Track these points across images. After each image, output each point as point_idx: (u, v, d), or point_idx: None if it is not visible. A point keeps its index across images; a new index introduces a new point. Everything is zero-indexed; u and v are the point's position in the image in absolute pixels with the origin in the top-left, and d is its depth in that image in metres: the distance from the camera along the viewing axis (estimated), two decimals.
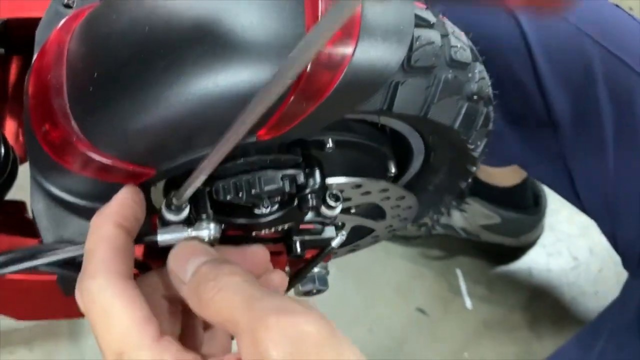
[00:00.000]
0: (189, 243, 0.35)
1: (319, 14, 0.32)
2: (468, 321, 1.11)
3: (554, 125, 0.69)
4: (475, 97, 0.41)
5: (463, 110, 0.40)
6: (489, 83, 0.44)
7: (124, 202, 0.34)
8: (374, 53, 0.33)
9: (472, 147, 0.44)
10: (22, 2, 0.45)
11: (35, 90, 0.38)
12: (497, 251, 1.14)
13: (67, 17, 0.40)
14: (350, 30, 0.32)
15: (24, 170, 0.47)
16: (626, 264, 0.78)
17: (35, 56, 0.41)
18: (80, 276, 0.32)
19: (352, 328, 1.08)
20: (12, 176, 0.45)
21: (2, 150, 0.43)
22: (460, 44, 0.40)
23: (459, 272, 1.15)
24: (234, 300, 0.30)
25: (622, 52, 0.64)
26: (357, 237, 0.54)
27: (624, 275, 0.79)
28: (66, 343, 1.01)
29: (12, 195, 0.48)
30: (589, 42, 0.65)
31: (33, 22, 0.45)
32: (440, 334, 1.10)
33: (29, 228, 0.46)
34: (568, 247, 1.19)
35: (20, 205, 0.47)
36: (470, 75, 0.41)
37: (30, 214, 0.48)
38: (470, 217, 1.06)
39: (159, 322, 0.32)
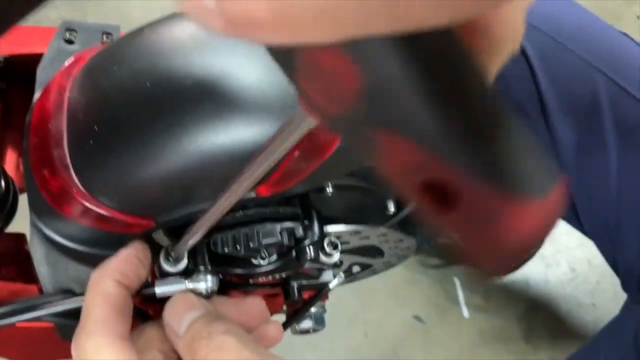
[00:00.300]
0: (185, 296, 0.35)
1: None
2: (464, 330, 1.11)
3: (557, 152, 0.69)
4: None
5: None
6: None
7: (128, 259, 0.35)
8: None
9: None
10: (24, 39, 0.45)
11: (36, 136, 0.38)
12: None
13: (68, 62, 0.40)
14: None
15: (22, 200, 0.47)
16: (625, 286, 0.78)
17: (36, 96, 0.41)
18: (78, 332, 0.33)
19: (347, 331, 1.09)
20: (12, 210, 0.45)
21: (2, 184, 0.43)
22: None
23: (456, 281, 1.16)
24: None
25: (626, 83, 0.64)
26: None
27: (621, 289, 0.79)
28: None
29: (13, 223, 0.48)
30: (595, 73, 0.64)
31: (34, 57, 0.45)
32: (436, 341, 1.11)
33: (30, 261, 0.47)
34: (566, 258, 1.19)
35: (19, 238, 0.47)
36: None
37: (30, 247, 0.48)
38: None
39: None
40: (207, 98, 0.32)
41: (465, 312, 1.13)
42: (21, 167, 0.50)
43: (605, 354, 0.74)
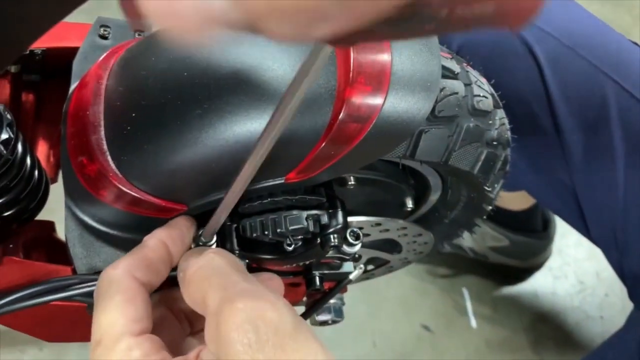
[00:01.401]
0: (200, 247, 0.37)
1: (350, 69, 0.33)
2: (471, 340, 1.12)
3: (566, 157, 0.70)
4: (494, 142, 0.43)
5: (483, 157, 0.42)
6: (508, 127, 0.45)
7: (177, 224, 0.37)
8: (402, 106, 0.34)
9: (489, 189, 0.45)
10: (59, 32, 0.46)
11: (73, 123, 0.39)
12: (503, 272, 1.15)
13: (105, 54, 0.41)
14: (381, 84, 0.34)
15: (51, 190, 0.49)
16: (632, 295, 0.78)
17: (72, 87, 0.42)
18: (108, 266, 0.34)
19: (355, 341, 1.09)
20: (43, 198, 0.46)
21: (36, 174, 0.45)
22: (483, 92, 0.41)
23: (465, 291, 1.16)
24: (211, 280, 0.32)
25: (635, 90, 0.65)
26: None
27: (630, 301, 0.80)
28: (75, 344, 1.03)
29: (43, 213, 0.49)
30: (605, 79, 0.66)
31: (68, 51, 0.47)
32: (444, 351, 1.11)
33: (58, 247, 0.48)
34: (575, 270, 1.19)
35: (49, 225, 0.49)
36: (490, 122, 0.42)
37: (58, 234, 0.50)
38: (479, 238, 1.07)
39: (153, 328, 0.33)
40: (242, 87, 0.34)
41: (473, 322, 1.14)
42: (52, 159, 0.51)
43: None
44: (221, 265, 0.32)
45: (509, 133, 0.45)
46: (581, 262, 1.20)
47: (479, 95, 0.41)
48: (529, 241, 1.08)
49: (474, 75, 0.42)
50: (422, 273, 1.16)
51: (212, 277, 0.32)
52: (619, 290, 1.15)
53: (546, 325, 1.14)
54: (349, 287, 0.48)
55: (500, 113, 0.44)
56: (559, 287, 1.18)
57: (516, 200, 1.03)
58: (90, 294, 0.38)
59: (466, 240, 1.10)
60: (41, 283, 0.37)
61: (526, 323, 1.14)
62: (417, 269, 1.16)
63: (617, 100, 0.66)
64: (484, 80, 0.43)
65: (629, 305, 0.80)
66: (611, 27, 0.71)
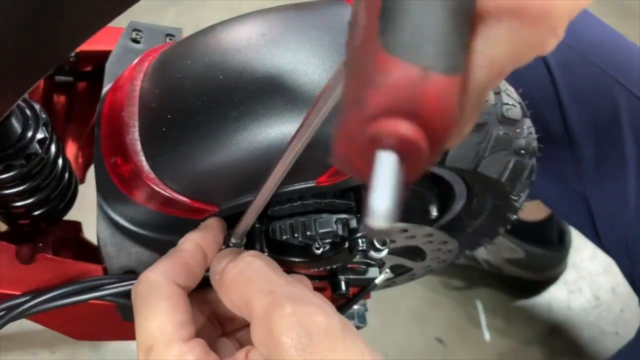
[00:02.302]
0: (232, 248, 0.37)
1: None
2: (485, 353, 1.11)
3: (577, 164, 0.70)
4: (522, 151, 0.43)
5: (511, 165, 0.42)
6: (535, 137, 0.45)
7: (211, 227, 0.37)
8: None
9: (515, 197, 0.45)
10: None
11: (108, 124, 0.40)
12: (518, 284, 1.14)
13: (139, 57, 0.42)
14: None
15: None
16: None
17: (106, 88, 0.43)
18: (146, 269, 0.35)
19: None
20: (73, 198, 0.47)
21: (67, 174, 0.46)
22: (512, 101, 0.42)
23: (478, 304, 1.16)
24: (254, 283, 0.32)
25: None
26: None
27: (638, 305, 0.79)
28: (87, 346, 1.03)
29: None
30: (616, 85, 0.65)
31: (99, 54, 0.47)
32: None
33: (85, 247, 0.49)
34: (590, 285, 1.19)
35: (76, 225, 0.49)
36: (519, 130, 0.42)
37: (84, 234, 0.50)
38: (494, 249, 1.07)
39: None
40: (277, 90, 0.34)
41: (487, 335, 1.13)
42: (80, 159, 0.52)
43: None
44: (262, 267, 0.33)
45: (535, 142, 0.45)
46: (596, 276, 1.19)
47: (508, 104, 0.41)
48: (544, 253, 1.07)
49: (503, 83, 0.42)
50: (436, 285, 1.16)
51: (255, 281, 0.32)
52: (634, 306, 1.14)
53: (560, 340, 1.13)
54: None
55: (528, 122, 0.44)
56: (574, 302, 1.17)
57: (532, 211, 1.02)
58: (122, 294, 0.38)
59: (481, 252, 1.09)
60: (75, 282, 0.37)
61: (540, 337, 1.13)
62: (431, 281, 1.16)
63: (628, 107, 0.66)
64: (512, 88, 0.43)
65: None
66: (620, 33, 0.71)
